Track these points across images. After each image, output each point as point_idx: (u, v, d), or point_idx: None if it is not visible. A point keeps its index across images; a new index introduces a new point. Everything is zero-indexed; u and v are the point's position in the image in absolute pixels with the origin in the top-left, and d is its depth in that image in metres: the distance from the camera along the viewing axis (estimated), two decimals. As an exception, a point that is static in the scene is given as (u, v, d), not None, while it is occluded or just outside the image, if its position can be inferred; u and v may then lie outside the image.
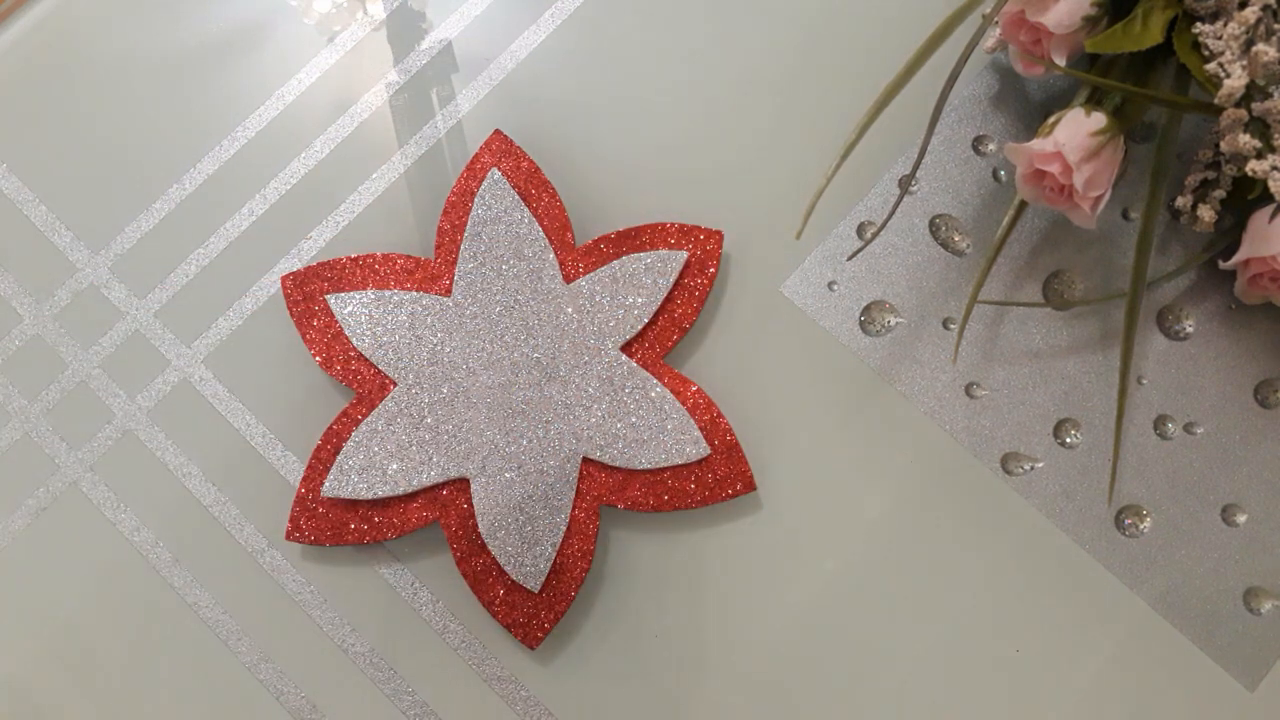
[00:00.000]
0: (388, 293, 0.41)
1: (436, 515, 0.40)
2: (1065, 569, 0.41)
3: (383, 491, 0.39)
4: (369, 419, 0.40)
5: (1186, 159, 0.42)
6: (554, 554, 0.39)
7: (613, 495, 0.40)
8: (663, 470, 0.40)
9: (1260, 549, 0.41)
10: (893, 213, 0.42)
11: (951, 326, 0.43)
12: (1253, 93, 0.37)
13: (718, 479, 0.40)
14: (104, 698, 0.39)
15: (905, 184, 0.44)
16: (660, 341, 0.41)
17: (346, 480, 0.39)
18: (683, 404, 0.40)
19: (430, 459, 0.40)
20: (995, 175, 0.44)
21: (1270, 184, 0.37)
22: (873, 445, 0.42)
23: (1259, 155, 0.37)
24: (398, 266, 0.41)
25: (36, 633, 0.40)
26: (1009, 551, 0.41)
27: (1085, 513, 0.41)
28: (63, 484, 0.41)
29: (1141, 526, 0.41)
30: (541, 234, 0.41)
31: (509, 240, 0.41)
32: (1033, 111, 0.45)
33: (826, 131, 0.44)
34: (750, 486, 0.40)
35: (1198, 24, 0.38)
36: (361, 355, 0.40)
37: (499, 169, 0.42)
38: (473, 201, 0.41)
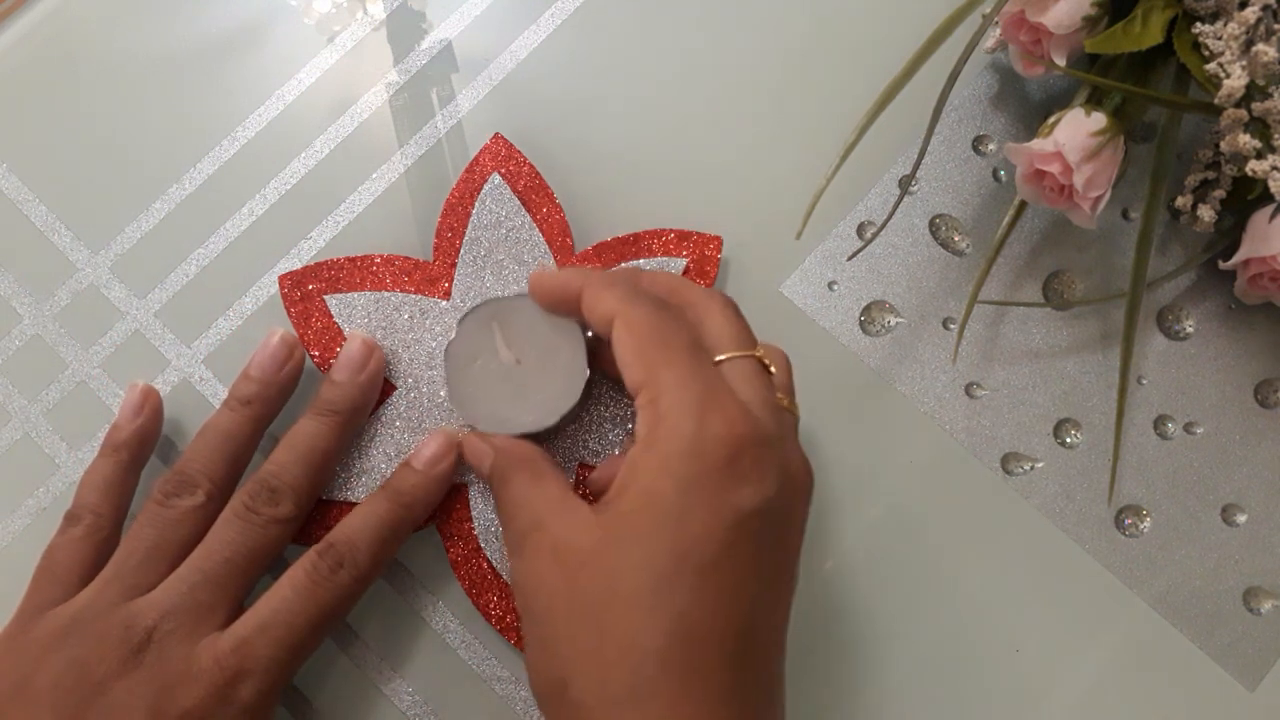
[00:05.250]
0: (387, 294, 0.41)
1: (433, 519, 0.40)
2: (1065, 569, 0.41)
3: (381, 494, 0.39)
4: (367, 422, 0.40)
5: (1186, 159, 0.42)
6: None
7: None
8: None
9: (1260, 549, 0.41)
10: (893, 213, 0.42)
11: (951, 326, 0.43)
12: (1253, 93, 0.37)
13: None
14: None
15: (905, 184, 0.44)
16: (658, 345, 0.41)
17: (344, 483, 0.39)
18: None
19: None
20: (995, 175, 0.44)
21: (1270, 184, 0.37)
22: (872, 445, 0.42)
23: (1259, 155, 0.37)
24: (396, 268, 0.41)
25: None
26: (1009, 551, 0.41)
27: (1085, 513, 0.41)
28: (63, 484, 0.41)
29: (1141, 526, 0.41)
30: (541, 239, 0.41)
31: (508, 245, 0.41)
32: (1033, 111, 0.45)
33: (826, 131, 0.44)
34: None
35: (1198, 24, 0.38)
36: (360, 357, 0.40)
37: (499, 173, 0.42)
38: (472, 205, 0.41)
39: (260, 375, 0.38)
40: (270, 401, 0.39)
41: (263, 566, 0.36)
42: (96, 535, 0.36)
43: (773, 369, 0.36)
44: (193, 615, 0.34)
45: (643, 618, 0.30)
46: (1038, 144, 0.39)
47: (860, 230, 0.44)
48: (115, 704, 0.32)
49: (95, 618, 0.34)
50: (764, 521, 0.31)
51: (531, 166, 0.42)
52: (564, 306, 0.37)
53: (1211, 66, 0.37)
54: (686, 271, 0.41)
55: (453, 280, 0.41)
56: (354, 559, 0.35)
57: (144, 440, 0.39)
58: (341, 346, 0.39)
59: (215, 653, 0.33)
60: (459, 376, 0.39)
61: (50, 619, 0.34)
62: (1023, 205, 0.42)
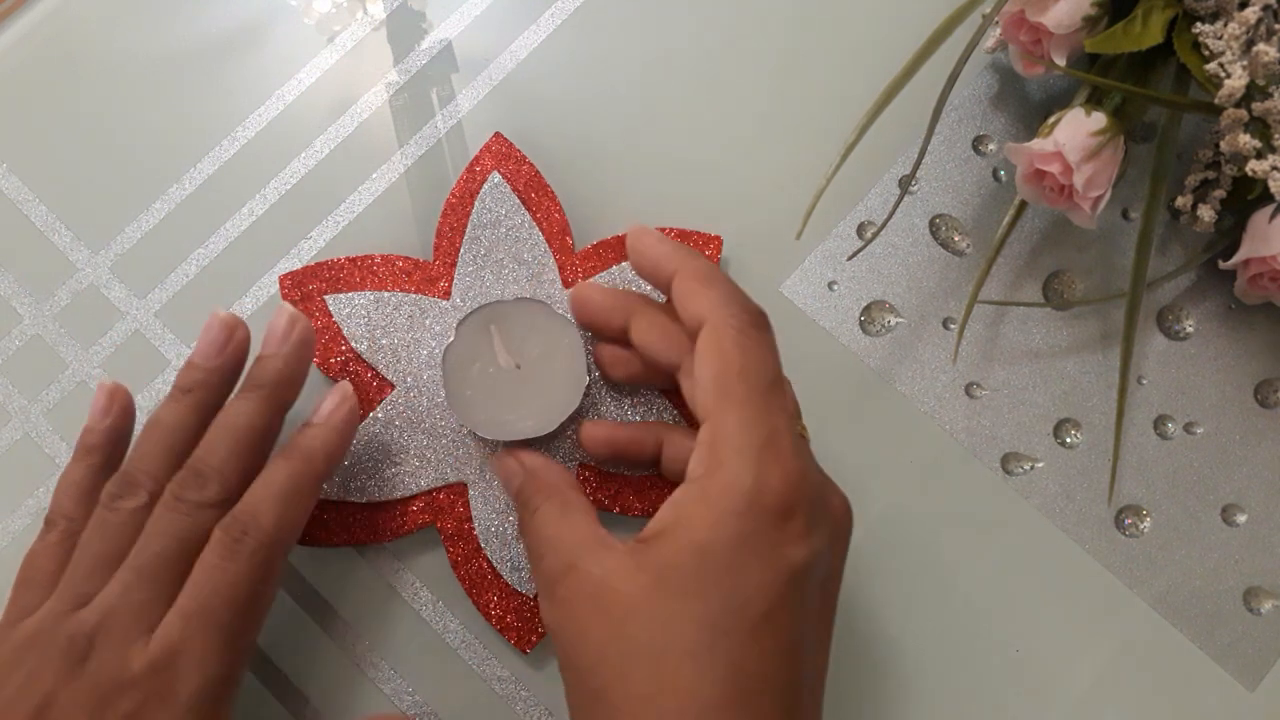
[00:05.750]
0: (386, 294, 0.41)
1: (433, 519, 0.40)
2: (1065, 569, 0.41)
3: (379, 495, 0.39)
4: (366, 421, 0.40)
5: (1186, 159, 0.42)
6: (550, 559, 0.39)
7: (609, 501, 0.40)
8: (659, 477, 0.40)
9: (1260, 549, 0.41)
10: (893, 213, 0.42)
11: (951, 326, 0.43)
12: (1253, 93, 0.37)
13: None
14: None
15: (905, 184, 0.44)
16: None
17: (343, 482, 0.39)
18: (680, 410, 0.40)
19: (427, 463, 0.40)
20: (995, 175, 0.44)
21: (1270, 184, 0.37)
22: (872, 445, 0.42)
23: (1259, 155, 0.37)
24: (397, 268, 0.41)
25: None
26: (1009, 551, 0.41)
27: (1085, 513, 0.41)
28: (63, 484, 0.41)
29: (1141, 526, 0.41)
30: (541, 238, 0.41)
31: (508, 244, 0.41)
32: (1033, 111, 0.45)
33: (826, 131, 0.44)
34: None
35: (1198, 24, 0.38)
36: (359, 356, 0.40)
37: (499, 172, 0.42)
38: (472, 204, 0.41)
39: (202, 361, 0.37)
40: (213, 388, 0.37)
41: (198, 554, 0.35)
42: (71, 540, 0.35)
43: None
44: (130, 616, 0.33)
45: (699, 669, 0.30)
46: (1038, 144, 0.39)
47: (860, 230, 0.44)
48: (62, 716, 0.32)
49: (47, 630, 0.33)
50: (813, 573, 0.32)
51: (531, 165, 0.42)
52: (654, 280, 0.37)
53: (1211, 66, 0.37)
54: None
55: (452, 280, 0.41)
56: (257, 524, 0.34)
57: (115, 440, 0.38)
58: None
59: (147, 656, 0.32)
60: (457, 381, 0.39)
61: (15, 633, 0.34)
62: (1023, 205, 0.42)
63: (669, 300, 0.36)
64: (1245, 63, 0.36)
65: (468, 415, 0.38)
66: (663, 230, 0.42)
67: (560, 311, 0.39)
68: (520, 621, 0.39)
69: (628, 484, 0.40)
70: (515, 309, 0.39)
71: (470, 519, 0.39)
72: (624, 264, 0.41)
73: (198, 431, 0.37)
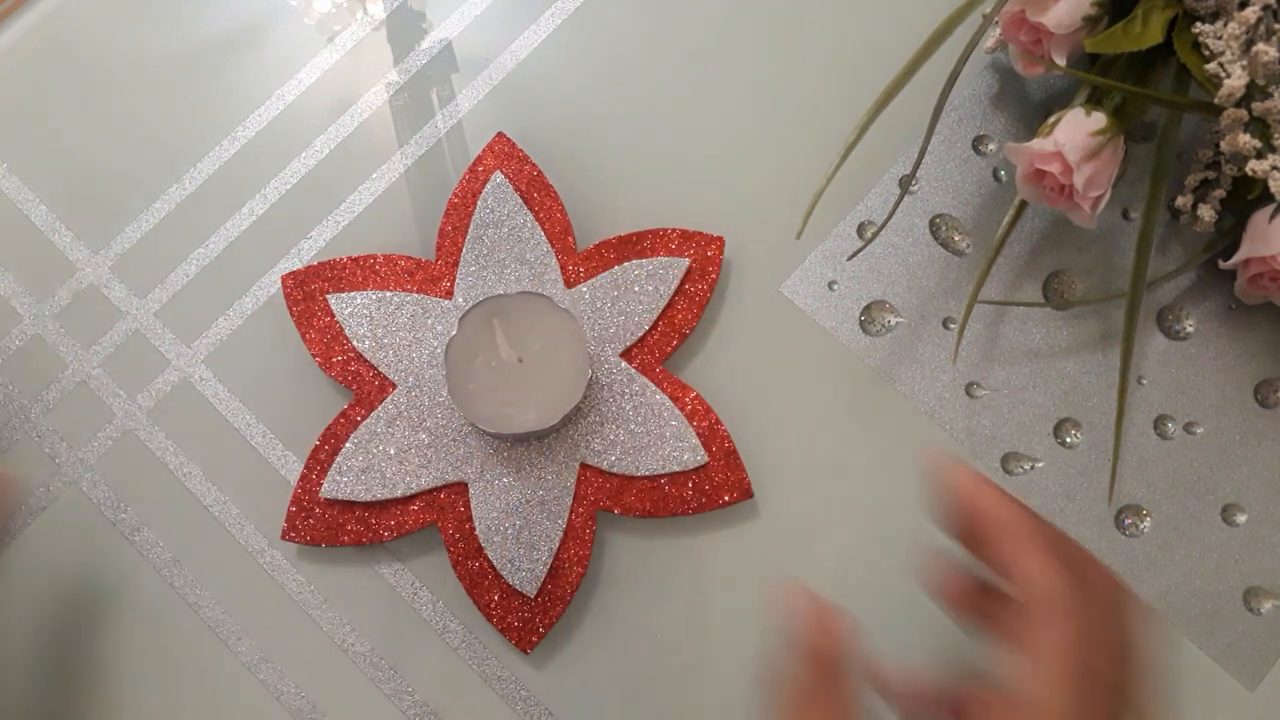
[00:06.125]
0: (389, 294, 0.41)
1: (434, 518, 0.40)
2: (1065, 569, 0.41)
3: (380, 494, 0.39)
4: (368, 420, 0.40)
5: (1186, 159, 0.42)
6: (550, 559, 0.39)
7: (609, 501, 0.40)
8: (660, 477, 0.40)
9: (1260, 549, 0.41)
10: (893, 212, 0.42)
11: (951, 326, 0.43)
12: (1253, 93, 0.37)
13: (715, 486, 0.40)
14: (103, 698, 0.40)
15: (905, 184, 0.44)
16: (660, 347, 0.41)
17: (344, 482, 0.39)
18: (681, 410, 0.40)
19: (429, 462, 0.40)
20: (995, 175, 0.44)
21: (1270, 184, 0.37)
22: (873, 445, 0.42)
23: (1259, 155, 0.37)
24: (399, 268, 0.41)
25: (37, 632, 0.40)
26: (1009, 551, 0.41)
27: (1085, 513, 0.41)
28: (63, 484, 0.41)
29: (1141, 526, 0.41)
30: (544, 238, 0.41)
31: (511, 244, 0.41)
32: (1033, 111, 0.45)
33: (826, 131, 0.44)
34: (747, 494, 0.40)
35: (1198, 24, 0.38)
36: (361, 356, 0.40)
37: (502, 172, 0.42)
38: (475, 204, 0.41)
39: None
40: None
41: None
42: None
43: None
44: None
45: None
46: (1038, 144, 0.39)
47: (860, 230, 0.44)
48: None
49: None
50: None
51: (534, 165, 0.42)
52: (968, 528, 0.31)
53: (1211, 66, 0.37)
54: (688, 272, 0.41)
55: (455, 280, 0.41)
56: None
57: None
58: None
59: None
60: (459, 375, 0.39)
61: None
62: (1023, 205, 0.42)
63: (981, 552, 0.31)
64: (1245, 63, 0.36)
65: (470, 409, 0.38)
66: (664, 231, 0.42)
67: (563, 307, 0.39)
68: (520, 622, 0.39)
69: (629, 484, 0.40)
70: (518, 303, 0.39)
71: (471, 519, 0.39)
72: (625, 265, 0.41)
73: None
